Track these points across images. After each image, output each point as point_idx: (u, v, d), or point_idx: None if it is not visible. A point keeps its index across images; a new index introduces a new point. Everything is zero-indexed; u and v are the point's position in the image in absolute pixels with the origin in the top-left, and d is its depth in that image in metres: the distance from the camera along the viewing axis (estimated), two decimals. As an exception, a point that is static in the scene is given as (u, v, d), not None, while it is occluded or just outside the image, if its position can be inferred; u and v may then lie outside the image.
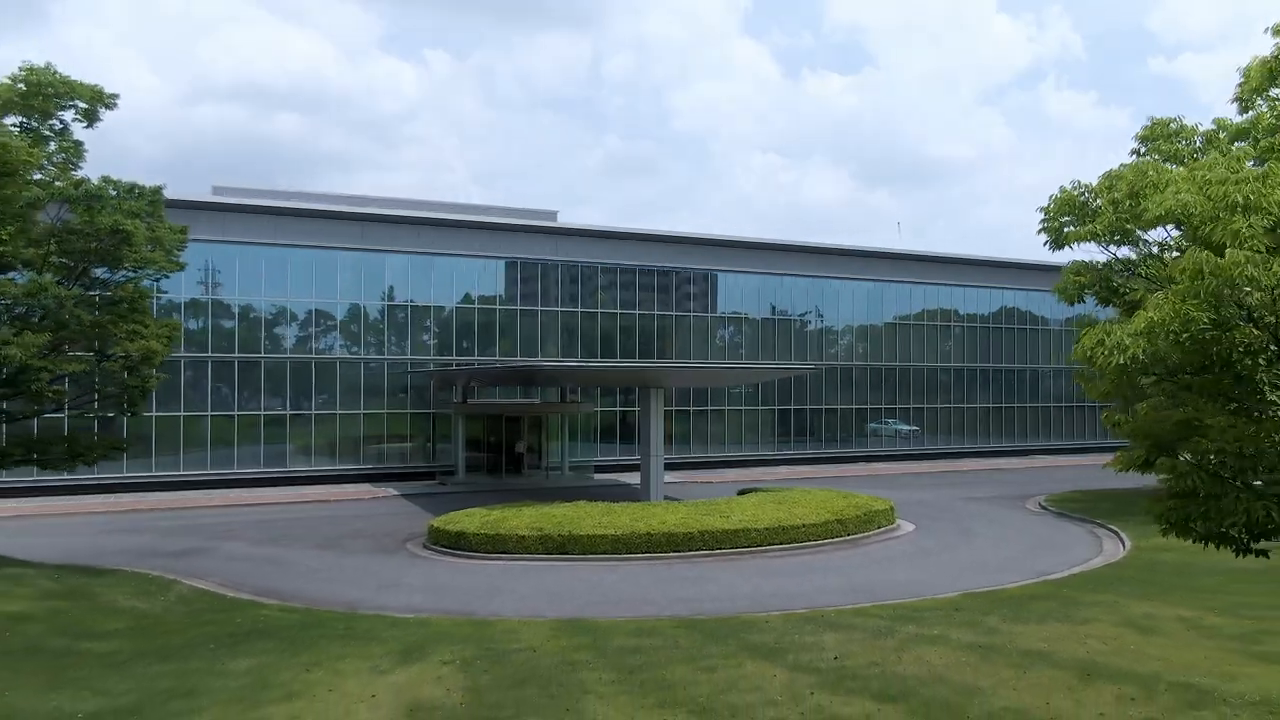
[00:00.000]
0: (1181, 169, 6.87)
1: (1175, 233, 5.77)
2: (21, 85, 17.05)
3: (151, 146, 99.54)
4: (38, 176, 17.37)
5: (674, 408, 42.86)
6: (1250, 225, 5.10)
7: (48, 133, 18.01)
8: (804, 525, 23.46)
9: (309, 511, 30.65)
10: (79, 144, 18.37)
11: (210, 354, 36.36)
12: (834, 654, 13.13)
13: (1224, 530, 5.88)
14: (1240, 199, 5.39)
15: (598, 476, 40.40)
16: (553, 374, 35.18)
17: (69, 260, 18.02)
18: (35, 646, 13.44)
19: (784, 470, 43.44)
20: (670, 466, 35.20)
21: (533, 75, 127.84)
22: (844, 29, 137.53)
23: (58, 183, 17.37)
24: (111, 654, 13.31)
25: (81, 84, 17.62)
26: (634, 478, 35.09)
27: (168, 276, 20.41)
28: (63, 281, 17.38)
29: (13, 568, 17.17)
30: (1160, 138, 9.20)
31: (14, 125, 17.74)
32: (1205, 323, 5.31)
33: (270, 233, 37.38)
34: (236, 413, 37.25)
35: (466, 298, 41.25)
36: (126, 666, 12.69)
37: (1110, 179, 8.63)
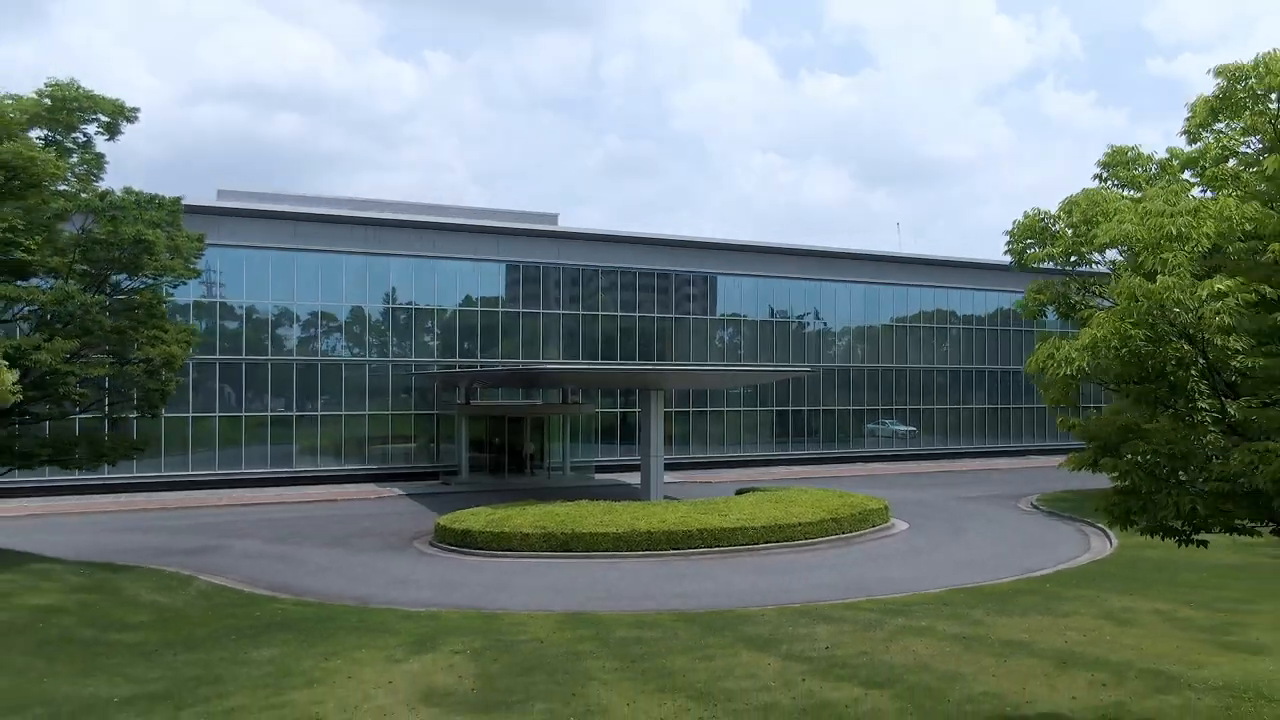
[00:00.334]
0: (1129, 199, 7.59)
1: (1120, 257, 6.29)
2: (47, 100, 17.76)
3: (151, 147, 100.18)
4: (62, 188, 18.05)
5: (674, 409, 43.53)
6: (1177, 255, 5.82)
7: (70, 145, 18.72)
8: (800, 524, 24.14)
9: (316, 511, 31.31)
10: (100, 156, 19.07)
11: (217, 356, 36.99)
12: (825, 644, 13.84)
13: (1164, 523, 6.58)
14: (1174, 230, 6.10)
15: (598, 476, 41.06)
16: (555, 376, 35.85)
17: (91, 268, 18.71)
18: (67, 636, 14.14)
19: (782, 470, 44.11)
20: (670, 467, 35.85)
21: (532, 75, 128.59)
22: (843, 29, 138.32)
23: (83, 195, 18.05)
24: (139, 644, 14.01)
25: (104, 98, 18.32)
26: (634, 477, 35.75)
27: (185, 283, 21.11)
28: (86, 289, 18.05)
29: (39, 563, 17.87)
30: (1119, 164, 9.85)
31: (39, 138, 18.45)
32: (1142, 339, 6.03)
33: (275, 236, 38.01)
34: (243, 414, 37.92)
35: (469, 300, 41.91)
36: (155, 655, 13.40)
37: (1068, 205, 9.25)
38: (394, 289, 40.47)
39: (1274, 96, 7.17)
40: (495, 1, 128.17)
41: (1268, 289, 5.80)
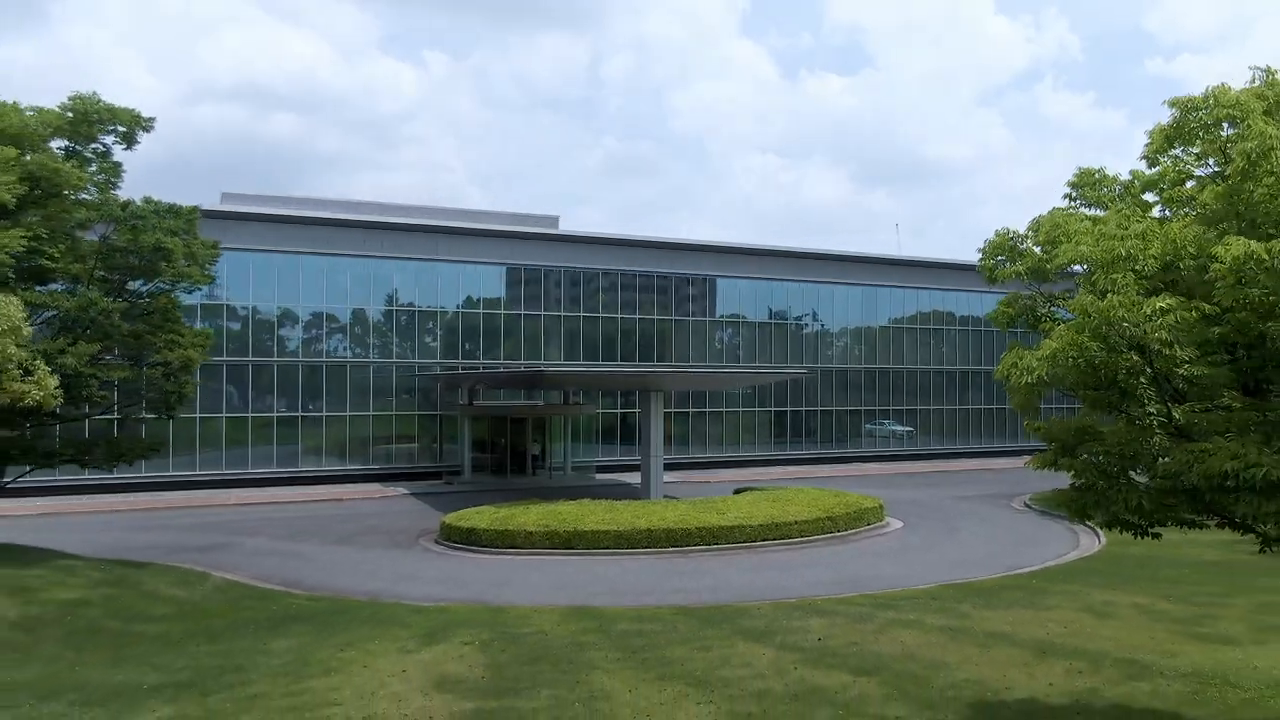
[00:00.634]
0: (1090, 220, 8.23)
1: (1080, 272, 6.85)
2: (69, 113, 18.42)
3: (150, 146, 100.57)
4: (83, 197, 18.70)
5: (673, 409, 44.17)
6: (1125, 276, 6.48)
7: (89, 155, 19.37)
8: (796, 522, 24.79)
9: (323, 510, 31.95)
10: (118, 165, 19.73)
11: (224, 358, 37.56)
12: (818, 636, 14.50)
13: (1118, 517, 7.22)
14: (1124, 251, 6.75)
15: (599, 476, 41.71)
16: (557, 378, 36.47)
17: (110, 274, 19.37)
18: (94, 628, 14.79)
19: (780, 470, 44.75)
20: (669, 466, 36.49)
21: (531, 76, 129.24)
22: (843, 30, 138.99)
23: (106, 205, 18.69)
24: (163, 635, 14.67)
25: (123, 110, 18.98)
26: (635, 477, 36.38)
27: (200, 288, 21.77)
28: (105, 294, 18.68)
29: (62, 560, 18.52)
30: (1086, 185, 10.46)
31: (59, 148, 19.11)
32: (1095, 350, 6.68)
33: (280, 240, 38.62)
34: (249, 414, 38.55)
35: (471, 302, 42.55)
36: (179, 646, 14.05)
37: (1035, 224, 9.86)
38: (397, 291, 41.10)
39: (1224, 125, 7.81)
40: (493, 2, 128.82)
41: (1206, 305, 6.46)
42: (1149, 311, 6.25)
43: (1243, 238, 5.85)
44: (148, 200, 19.13)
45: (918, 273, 52.15)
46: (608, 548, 22.92)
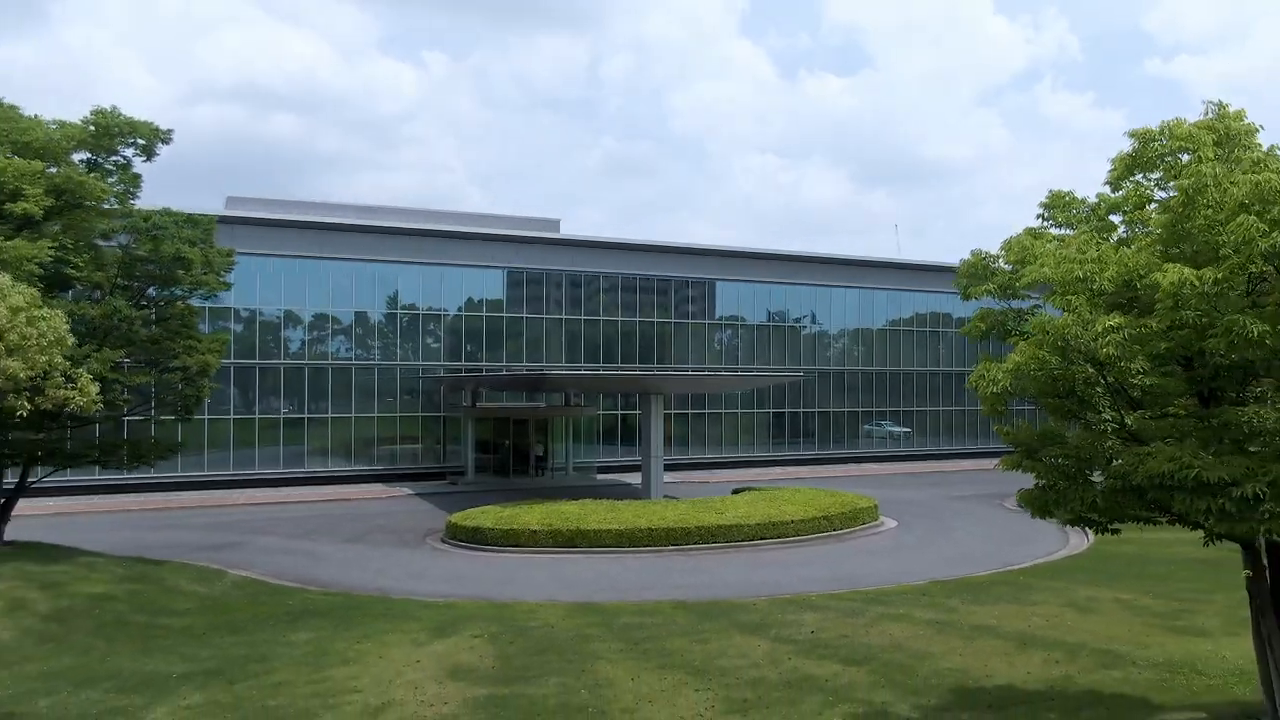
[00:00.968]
0: (1055, 243, 8.93)
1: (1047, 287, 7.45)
2: (91, 127, 19.13)
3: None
4: (104, 207, 19.41)
5: (673, 411, 44.86)
6: (1079, 298, 7.18)
7: (110, 167, 20.08)
8: (792, 521, 25.49)
9: (330, 509, 32.65)
10: (138, 176, 20.44)
11: (232, 360, 38.18)
12: (811, 629, 15.21)
13: (1080, 514, 7.91)
14: (1081, 274, 7.45)
15: (600, 477, 42.41)
16: (559, 381, 37.17)
17: (129, 282, 20.07)
18: (122, 620, 15.51)
19: (779, 471, 45.44)
20: (669, 467, 37.16)
21: (531, 76, 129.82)
22: (842, 30, 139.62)
23: (129, 217, 19.41)
24: (188, 628, 15.39)
25: (142, 123, 19.69)
26: (635, 477, 37.07)
27: (216, 295, 22.51)
28: (127, 302, 19.37)
29: (85, 556, 19.22)
30: (1057, 207, 11.08)
31: (80, 160, 19.83)
32: (1055, 363, 7.38)
33: (285, 244, 39.26)
34: (256, 416, 39.25)
35: (474, 305, 43.26)
36: (204, 638, 14.77)
37: (1007, 245, 10.53)
38: (401, 294, 41.79)
39: (1181, 154, 8.49)
40: (493, 3, 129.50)
41: (1153, 323, 7.14)
42: (1100, 329, 6.94)
43: (1179, 265, 6.54)
44: (167, 211, 19.84)
45: (915, 275, 52.83)
46: (609, 546, 23.61)
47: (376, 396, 41.05)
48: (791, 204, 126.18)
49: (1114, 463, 7.37)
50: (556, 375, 36.16)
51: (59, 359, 11.45)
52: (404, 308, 41.70)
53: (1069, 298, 7.22)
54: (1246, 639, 14.17)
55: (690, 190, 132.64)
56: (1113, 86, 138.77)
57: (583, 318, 44.79)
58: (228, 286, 21.92)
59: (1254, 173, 6.47)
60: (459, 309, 42.79)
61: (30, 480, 20.34)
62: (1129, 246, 7.99)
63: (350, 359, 40.78)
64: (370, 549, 24.77)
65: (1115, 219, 9.05)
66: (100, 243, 19.93)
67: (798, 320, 50.19)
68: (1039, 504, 8.08)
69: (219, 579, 19.51)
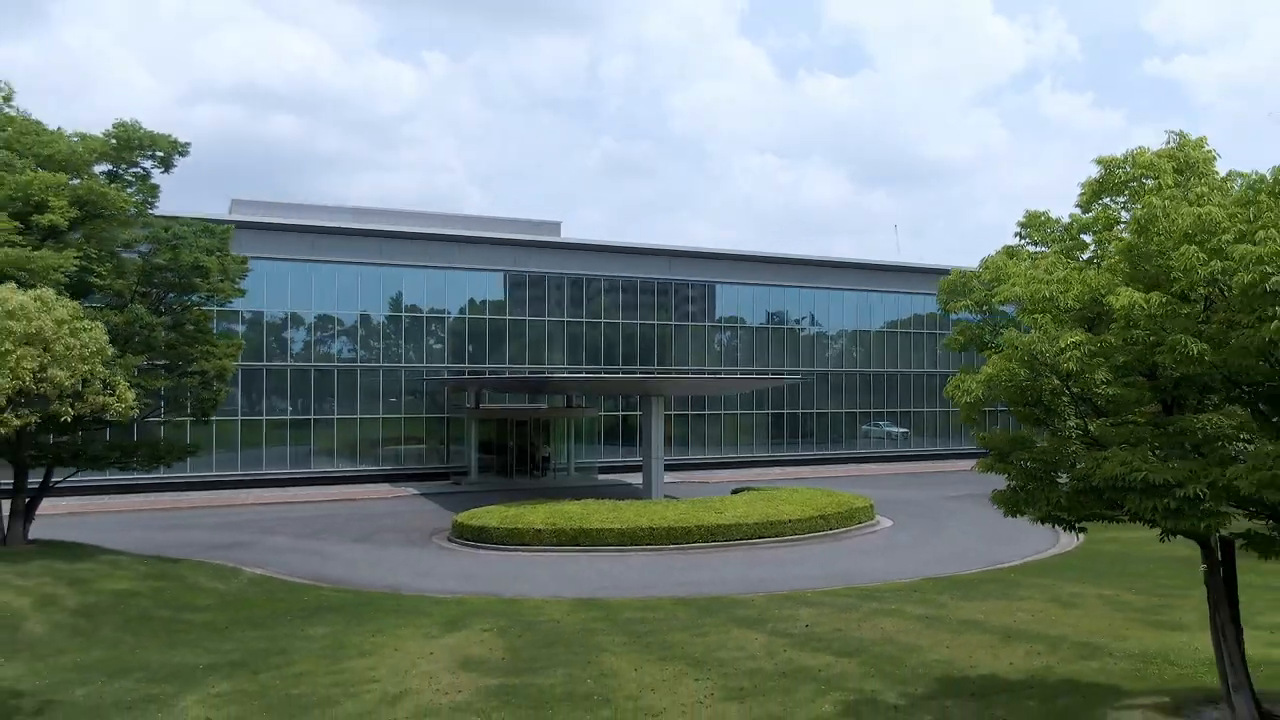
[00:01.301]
0: (1028, 263, 9.63)
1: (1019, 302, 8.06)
2: (113, 140, 19.83)
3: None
4: (124, 216, 20.09)
5: (673, 411, 45.55)
6: (1044, 316, 7.87)
7: (129, 178, 20.78)
8: (790, 521, 26.18)
9: (337, 509, 33.33)
10: (156, 187, 21.15)
11: (239, 362, 38.73)
12: (806, 624, 15.90)
13: (1049, 513, 8.58)
14: (1047, 294, 8.13)
15: (601, 477, 43.11)
16: (561, 384, 37.85)
17: (147, 289, 20.77)
18: (147, 615, 16.21)
19: (778, 471, 46.13)
20: (669, 467, 37.85)
21: (530, 77, 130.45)
22: (841, 30, 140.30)
23: (151, 227, 20.12)
24: (210, 622, 16.08)
25: (161, 136, 20.40)
26: (636, 477, 37.75)
27: (231, 301, 23.22)
28: (147, 309, 20.08)
29: (106, 554, 19.92)
30: (1033, 226, 11.71)
31: (101, 172, 20.53)
32: (1023, 375, 8.07)
33: (290, 248, 39.90)
34: (263, 417, 39.95)
35: (477, 307, 43.95)
36: (226, 632, 15.47)
37: (985, 265, 11.18)
38: (405, 297, 42.49)
39: (1145, 179, 9.18)
40: (492, 3, 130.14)
41: (1111, 338, 7.81)
42: (1063, 345, 7.63)
43: (1130, 289, 7.22)
44: (185, 221, 20.54)
45: (913, 278, 53.50)
46: (612, 545, 24.30)
47: (381, 398, 41.74)
48: (791, 204, 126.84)
49: (1077, 466, 8.06)
50: (559, 378, 36.87)
51: (99, 368, 12.14)
52: (407, 310, 42.39)
53: (1035, 315, 7.91)
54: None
55: (690, 190, 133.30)
56: (1112, 87, 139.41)
57: (584, 320, 45.49)
58: (242, 293, 22.61)
59: (1199, 205, 7.16)
60: (462, 311, 43.48)
61: (54, 480, 21.05)
62: (1094, 266, 8.69)
63: (354, 361, 41.46)
64: (378, 548, 25.45)
65: (1086, 238, 9.73)
66: (120, 251, 20.62)
67: (797, 322, 50.89)
68: (1010, 503, 8.78)
69: (235, 576, 20.20)
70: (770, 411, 49.61)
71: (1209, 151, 9.30)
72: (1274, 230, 6.33)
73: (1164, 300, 6.94)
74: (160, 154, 20.66)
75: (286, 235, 39.96)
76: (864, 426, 52.44)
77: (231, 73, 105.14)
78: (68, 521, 29.41)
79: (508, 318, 44.14)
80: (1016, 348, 7.90)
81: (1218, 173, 9.10)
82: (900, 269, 53.66)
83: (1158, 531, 9.13)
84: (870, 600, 17.85)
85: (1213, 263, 6.52)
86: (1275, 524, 7.47)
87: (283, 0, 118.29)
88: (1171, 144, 9.13)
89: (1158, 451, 7.71)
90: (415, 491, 38.05)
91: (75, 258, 17.39)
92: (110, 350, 13.15)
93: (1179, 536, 8.22)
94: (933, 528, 28.71)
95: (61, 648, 14.43)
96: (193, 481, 37.37)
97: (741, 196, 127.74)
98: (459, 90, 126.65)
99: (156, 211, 21.72)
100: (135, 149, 20.15)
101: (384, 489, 38.94)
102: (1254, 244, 6.30)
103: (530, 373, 43.47)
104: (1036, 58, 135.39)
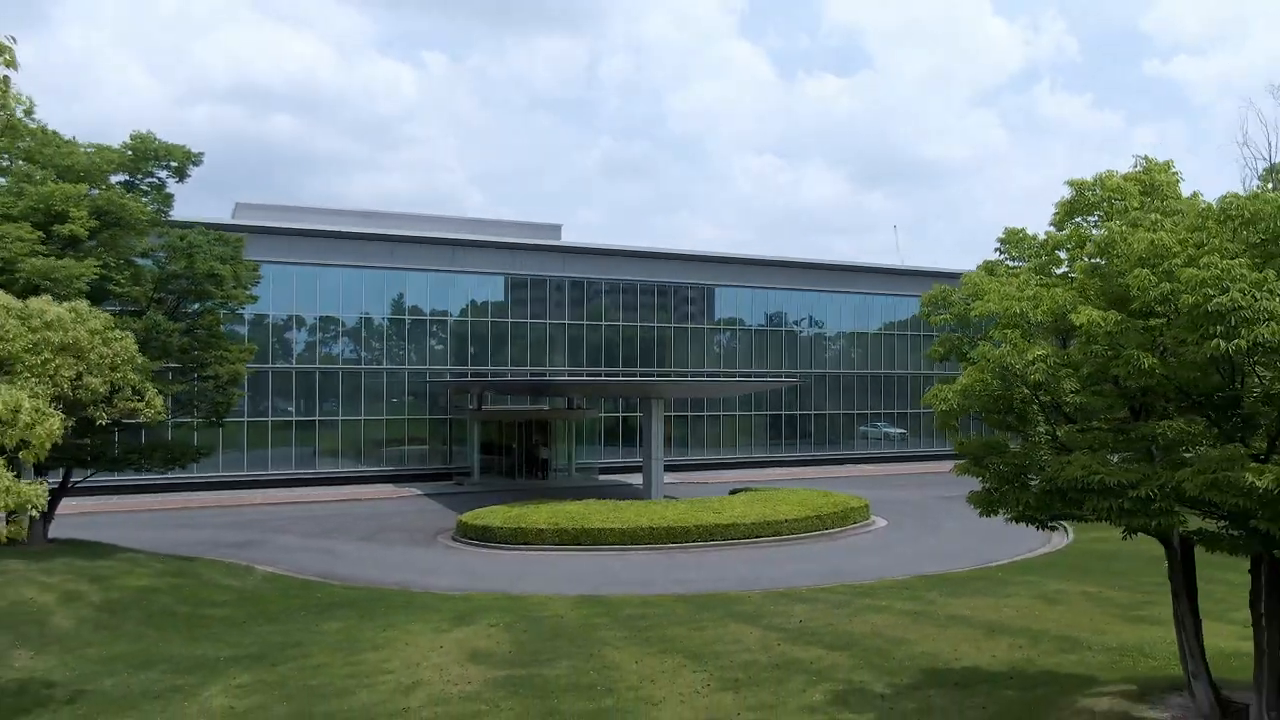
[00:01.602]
0: (1009, 278, 10.28)
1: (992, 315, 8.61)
2: (129, 152, 20.51)
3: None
4: (140, 225, 20.78)
5: (673, 412, 46.18)
6: (1013, 333, 8.52)
7: (145, 188, 21.45)
8: (786, 520, 26.84)
9: (343, 509, 33.98)
10: (170, 196, 21.82)
11: (247, 364, 39.50)
12: (799, 619, 16.56)
13: (1023, 514, 9.22)
14: (1018, 310, 8.78)
15: (602, 477, 43.76)
16: (563, 387, 38.49)
17: (162, 296, 21.44)
18: (168, 611, 16.87)
19: (777, 472, 46.75)
20: (669, 468, 38.48)
21: (530, 77, 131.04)
22: (841, 30, 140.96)
23: (168, 236, 20.80)
24: (228, 618, 16.74)
25: (177, 147, 21.08)
26: (636, 478, 38.39)
27: (243, 307, 23.91)
28: (163, 315, 20.77)
29: (125, 553, 20.59)
30: (1012, 242, 12.24)
31: (118, 182, 21.19)
32: (996, 386, 8.72)
33: (295, 252, 40.45)
34: (269, 418, 40.58)
35: (479, 310, 44.60)
36: (243, 626, 16.13)
37: (964, 280, 11.70)
38: (408, 300, 43.14)
39: (1114, 200, 9.81)
40: (491, 4, 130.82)
41: (1075, 351, 8.45)
42: (1030, 358, 8.28)
43: (1089, 307, 7.86)
44: (201, 231, 21.22)
45: (910, 280, 54.11)
46: (613, 544, 24.96)
47: (384, 399, 42.39)
48: (790, 204, 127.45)
49: (1044, 469, 8.70)
50: (561, 381, 37.54)
51: (131, 375, 12.81)
52: (410, 312, 43.05)
53: (1005, 331, 8.56)
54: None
55: (689, 191, 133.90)
56: (1111, 87, 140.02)
57: (584, 322, 46.15)
58: (254, 299, 23.29)
59: (1153, 231, 7.80)
60: (464, 313, 44.12)
61: (73, 481, 21.71)
62: (1066, 282, 9.34)
63: (358, 362, 42.10)
64: (385, 547, 26.10)
65: (1062, 254, 10.37)
66: (137, 259, 21.29)
67: (795, 324, 51.54)
68: (984, 503, 9.44)
69: (249, 574, 20.86)
70: (769, 413, 50.26)
71: (1174, 175, 9.94)
72: (1216, 256, 6.97)
73: (1119, 318, 7.58)
74: (175, 164, 21.33)
75: (291, 239, 40.56)
76: (862, 428, 53.09)
77: (230, 73, 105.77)
78: (82, 521, 30.04)
79: (509, 320, 44.79)
80: (989, 360, 8.56)
81: (1181, 195, 9.75)
82: (897, 272, 54.35)
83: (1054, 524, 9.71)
84: (862, 597, 18.50)
85: (1162, 284, 7.15)
86: (1224, 522, 8.10)
87: (282, 0, 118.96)
88: (1139, 168, 9.78)
89: (1121, 455, 8.36)
90: (419, 492, 38.69)
91: (96, 266, 18.05)
92: (141, 359, 13.82)
93: (1136, 535, 8.86)
94: (927, 527, 29.36)
95: (88, 641, 15.09)
96: (201, 482, 37.98)
97: (741, 197, 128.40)
98: (458, 91, 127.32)
99: (178, 217, 22.41)
100: (151, 159, 20.83)
101: (388, 489, 39.58)
102: (1199, 268, 6.94)
103: (532, 374, 44.15)
104: (1036, 58, 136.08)
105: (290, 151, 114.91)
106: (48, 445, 7.64)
